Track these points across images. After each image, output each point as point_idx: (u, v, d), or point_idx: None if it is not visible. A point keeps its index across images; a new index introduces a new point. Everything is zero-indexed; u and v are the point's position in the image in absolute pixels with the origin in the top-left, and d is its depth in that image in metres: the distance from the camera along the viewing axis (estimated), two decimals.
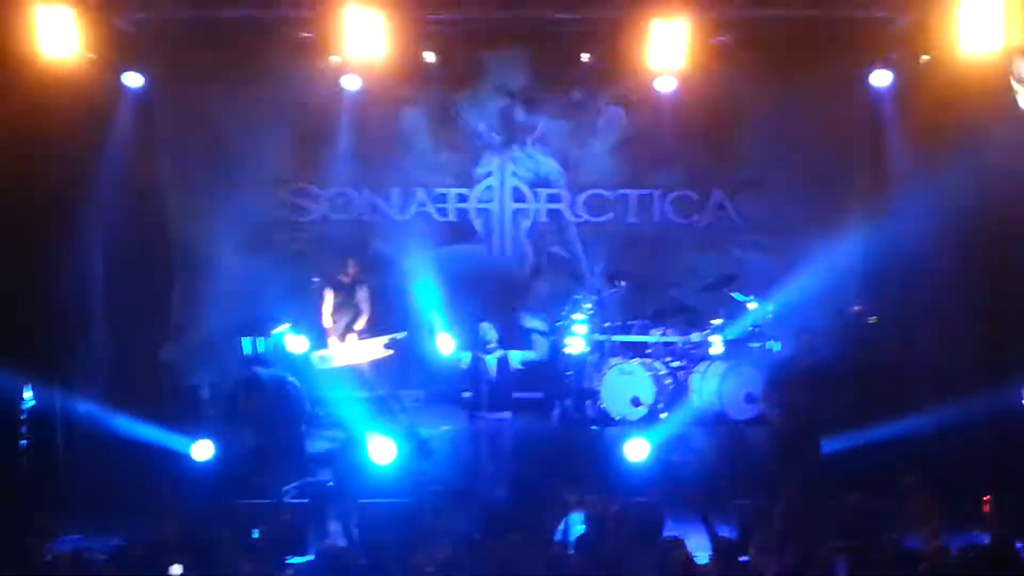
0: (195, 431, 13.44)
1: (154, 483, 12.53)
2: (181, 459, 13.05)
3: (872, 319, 15.18)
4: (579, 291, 15.48)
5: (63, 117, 13.76)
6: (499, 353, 12.94)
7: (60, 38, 13.11)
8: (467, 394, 13.42)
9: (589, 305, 15.04)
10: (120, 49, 14.36)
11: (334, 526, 11.85)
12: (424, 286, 15.62)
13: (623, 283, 15.47)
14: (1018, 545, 8.78)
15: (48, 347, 13.76)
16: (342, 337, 14.87)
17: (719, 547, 9.32)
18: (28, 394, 13.38)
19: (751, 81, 15.90)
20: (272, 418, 13.20)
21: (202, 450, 13.03)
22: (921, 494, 11.15)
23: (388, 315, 15.46)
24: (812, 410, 12.47)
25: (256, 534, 10.61)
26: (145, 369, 14.70)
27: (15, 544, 9.75)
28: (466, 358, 13.16)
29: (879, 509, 11.47)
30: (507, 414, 12.98)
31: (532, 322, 13.30)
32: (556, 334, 15.43)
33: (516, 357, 13.14)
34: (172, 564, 8.89)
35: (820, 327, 14.36)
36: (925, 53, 14.48)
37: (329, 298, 14.96)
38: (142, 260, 15.36)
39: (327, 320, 14.94)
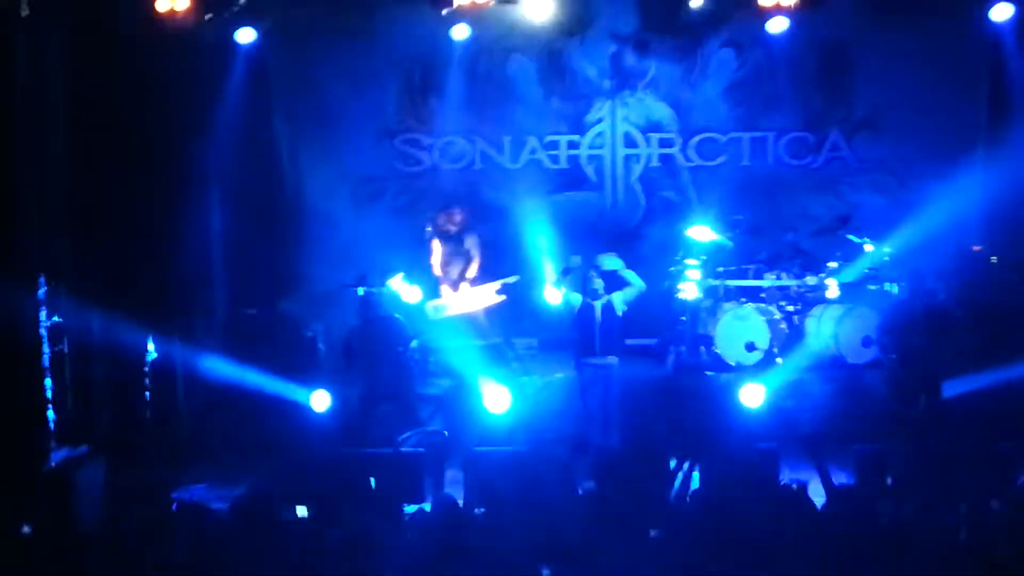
0: (313, 381, 13.63)
1: (273, 434, 12.73)
2: (300, 410, 13.22)
3: (992, 259, 14.85)
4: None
5: (178, 74, 13.99)
6: (605, 299, 12.87)
7: None
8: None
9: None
10: (233, 5, 14.48)
11: (450, 475, 11.96)
12: (537, 233, 15.61)
13: (740, 217, 15.33)
14: None
15: (170, 300, 14.02)
16: (454, 286, 14.94)
17: (835, 493, 9.21)
18: (151, 346, 13.64)
19: (866, 18, 15.61)
20: (383, 360, 13.26)
21: (320, 400, 13.19)
22: None
23: (500, 263, 15.50)
24: (930, 354, 12.24)
25: (373, 483, 10.72)
26: (264, 321, 14.90)
27: (140, 493, 9.93)
28: (576, 303, 13.12)
29: (1001, 453, 11.32)
30: (614, 359, 12.91)
31: (608, 263, 13.19)
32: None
33: (618, 300, 13.08)
34: (294, 510, 9.04)
35: (939, 269, 14.09)
36: None
37: (438, 248, 15.03)
38: (259, 214, 15.54)
39: (437, 270, 15.01)
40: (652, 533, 8.35)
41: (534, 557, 7.55)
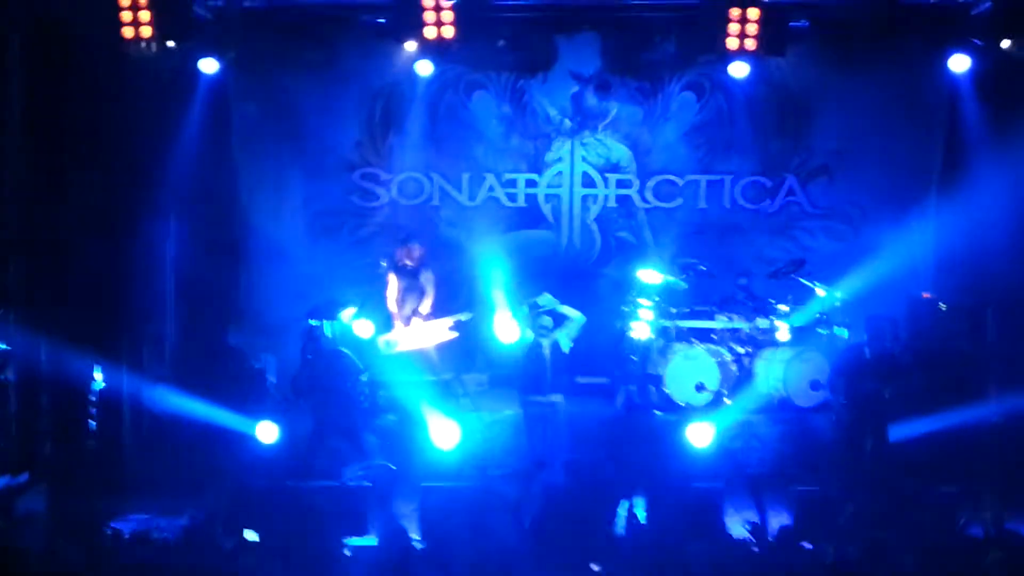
0: (261, 413, 13.57)
1: (219, 465, 12.66)
2: (247, 441, 13.14)
3: (942, 306, 14.96)
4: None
5: (139, 99, 13.98)
6: (553, 337, 12.88)
7: (138, 24, 13.30)
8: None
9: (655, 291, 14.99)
10: (197, 35, 14.48)
11: (396, 509, 11.90)
12: (492, 271, 15.62)
13: (703, 267, 15.41)
14: None
15: (119, 329, 13.94)
16: (407, 321, 14.91)
17: (776, 535, 9.25)
18: (98, 375, 13.53)
19: (826, 66, 15.79)
20: (332, 393, 13.21)
21: (267, 432, 13.13)
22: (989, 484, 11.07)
23: (454, 300, 15.48)
24: (879, 398, 12.30)
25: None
26: (213, 352, 14.83)
27: (81, 523, 9.84)
28: (526, 342, 13.14)
29: (945, 498, 11.38)
30: (559, 397, 12.91)
31: (541, 301, 13.22)
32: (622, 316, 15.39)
33: (563, 337, 13.10)
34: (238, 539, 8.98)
35: (889, 315, 14.18)
36: (1006, 38, 14.21)
37: (393, 282, 14.99)
38: (213, 244, 15.51)
39: (392, 304, 14.97)
40: (596, 568, 8.36)
41: None
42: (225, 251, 15.68)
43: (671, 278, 15.19)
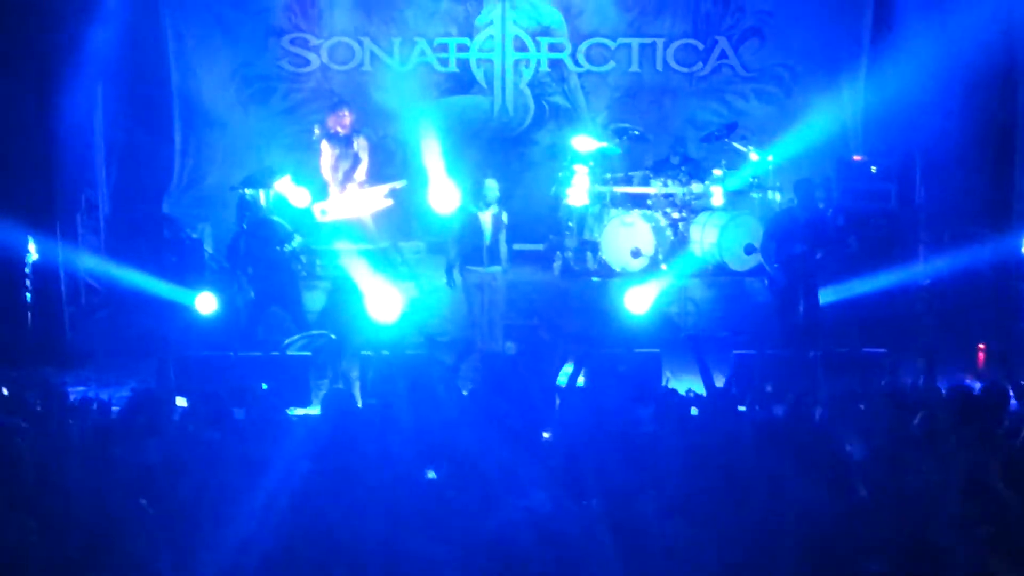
0: (199, 284, 13.54)
1: (159, 336, 12.63)
2: (186, 312, 13.13)
3: (873, 169, 15.14)
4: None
5: None
6: (495, 210, 12.86)
7: None
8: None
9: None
10: None
11: (337, 378, 11.98)
12: (425, 138, 15.55)
13: (637, 132, 15.44)
14: (1010, 393, 8.89)
15: (51, 199, 13.73)
16: (342, 188, 14.85)
17: (714, 396, 9.43)
18: (32, 248, 13.37)
19: None
20: (269, 263, 13.17)
21: (206, 303, 13.11)
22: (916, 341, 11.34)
23: (388, 167, 15.44)
24: (811, 261, 12.48)
25: (264, 387, 10.73)
26: (148, 221, 14.70)
27: (23, 394, 9.80)
28: (464, 213, 13.12)
29: (873, 356, 11.67)
30: (498, 268, 12.96)
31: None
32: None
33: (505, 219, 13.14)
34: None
35: (820, 177, 14.35)
36: None
37: (326, 150, 14.88)
38: (144, 112, 15.25)
39: (326, 172, 14.89)
40: (543, 435, 8.50)
41: (422, 459, 7.63)
42: (157, 121, 15.44)
43: (605, 144, 15.21)
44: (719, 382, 9.68)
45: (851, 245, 12.60)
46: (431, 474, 7.50)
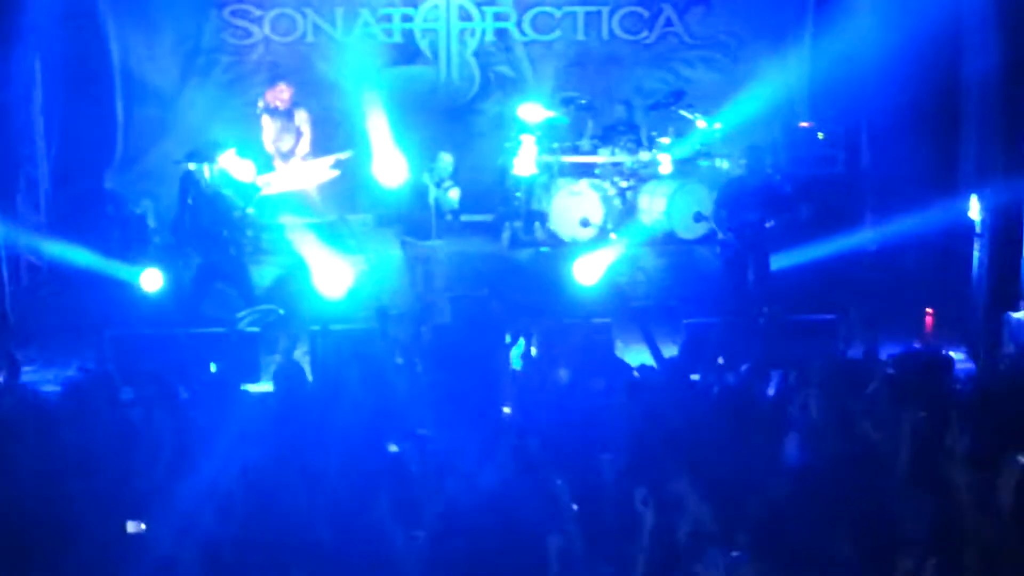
0: (143, 260, 13.37)
1: (103, 314, 12.46)
2: (130, 289, 12.95)
3: (820, 135, 15.17)
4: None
5: None
6: (448, 184, 12.77)
7: None
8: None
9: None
10: None
11: (287, 353, 11.87)
12: (370, 109, 15.41)
13: (584, 101, 15.37)
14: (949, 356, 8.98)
15: None
16: (286, 161, 14.70)
17: (667, 367, 9.43)
18: None
19: None
20: (214, 238, 13.00)
21: (151, 279, 12.93)
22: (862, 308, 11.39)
23: (333, 139, 15.29)
24: (761, 229, 12.49)
25: (213, 367, 10.63)
26: (89, 198, 14.49)
27: None
28: (412, 185, 13.04)
29: (821, 322, 11.72)
30: (440, 243, 12.86)
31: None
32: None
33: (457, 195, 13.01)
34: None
35: (768, 144, 14.36)
36: None
37: (268, 124, 14.76)
38: (83, 87, 15.07)
39: (269, 146, 14.76)
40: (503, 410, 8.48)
41: (379, 435, 7.58)
42: (97, 95, 15.23)
43: (553, 114, 15.14)
44: (670, 353, 9.69)
45: (802, 213, 12.60)
46: (393, 448, 7.45)
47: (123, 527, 6.56)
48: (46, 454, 7.32)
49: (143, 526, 6.60)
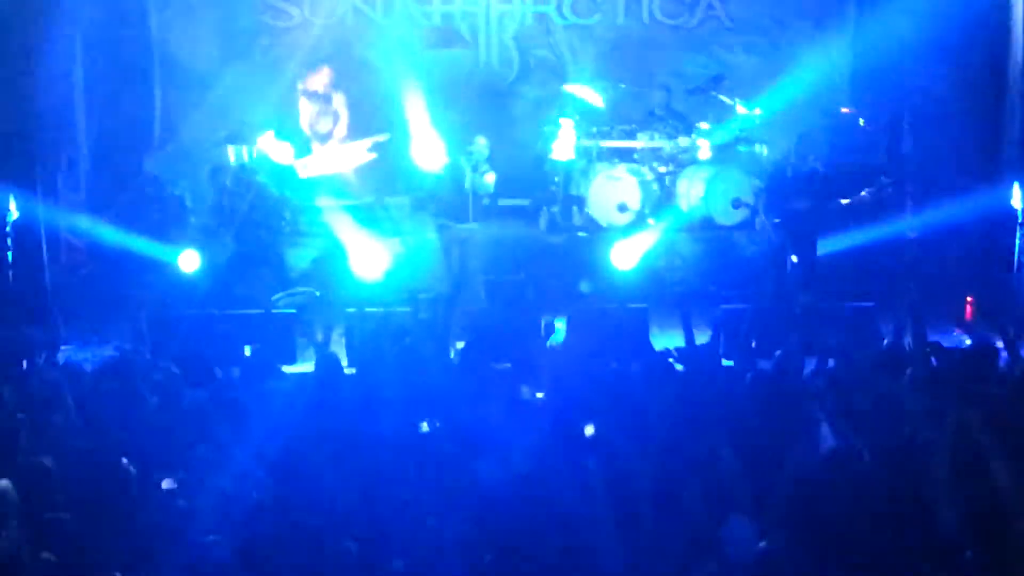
0: (181, 241, 13.42)
1: (142, 294, 12.51)
2: (169, 270, 13.01)
3: (861, 122, 15.04)
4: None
5: None
6: (484, 168, 12.74)
7: None
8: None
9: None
10: None
11: (323, 335, 11.88)
12: (409, 92, 15.39)
13: (623, 85, 15.32)
14: (998, 346, 8.85)
15: (30, 158, 13.56)
16: (323, 143, 14.73)
17: (700, 352, 9.38)
18: (12, 206, 13.20)
19: None
20: (253, 220, 13.05)
21: (189, 260, 12.99)
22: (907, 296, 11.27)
23: (371, 121, 15.29)
24: (806, 215, 12.45)
25: (248, 350, 10.65)
26: (128, 179, 14.55)
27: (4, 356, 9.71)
28: (449, 168, 13.02)
29: (861, 310, 11.64)
30: (476, 226, 12.83)
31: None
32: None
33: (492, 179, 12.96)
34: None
35: (809, 130, 14.28)
36: None
37: (305, 107, 14.80)
38: (124, 67, 15.11)
39: (307, 128, 14.80)
40: (524, 390, 8.44)
41: (412, 415, 7.59)
42: (137, 77, 15.27)
43: (598, 94, 15.08)
44: (705, 338, 9.65)
45: (864, 198, 12.51)
46: (425, 427, 7.47)
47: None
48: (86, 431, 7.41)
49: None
